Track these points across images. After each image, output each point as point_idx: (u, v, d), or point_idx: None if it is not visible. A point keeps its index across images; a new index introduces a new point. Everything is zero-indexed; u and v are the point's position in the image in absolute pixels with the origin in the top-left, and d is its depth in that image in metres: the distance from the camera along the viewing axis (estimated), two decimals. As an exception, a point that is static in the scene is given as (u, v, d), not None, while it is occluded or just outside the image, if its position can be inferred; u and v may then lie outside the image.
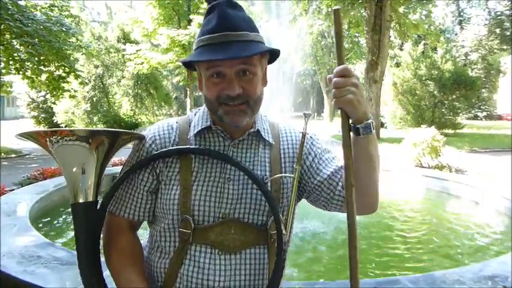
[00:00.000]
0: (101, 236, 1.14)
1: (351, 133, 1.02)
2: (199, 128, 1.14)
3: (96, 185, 1.07)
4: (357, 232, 0.99)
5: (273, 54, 1.15)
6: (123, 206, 1.15)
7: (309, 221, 4.39)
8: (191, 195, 1.09)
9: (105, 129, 1.10)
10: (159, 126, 1.19)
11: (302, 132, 1.13)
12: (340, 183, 1.14)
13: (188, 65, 1.17)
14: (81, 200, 1.05)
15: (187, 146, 1.13)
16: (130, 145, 1.22)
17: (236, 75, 1.04)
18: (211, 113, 1.12)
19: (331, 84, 0.99)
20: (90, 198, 1.06)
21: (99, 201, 1.11)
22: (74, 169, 1.05)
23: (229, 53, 1.00)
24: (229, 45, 1.01)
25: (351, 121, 1.01)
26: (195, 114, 1.21)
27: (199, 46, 1.06)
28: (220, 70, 1.04)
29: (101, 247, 1.13)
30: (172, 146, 1.14)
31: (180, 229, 1.08)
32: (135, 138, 1.17)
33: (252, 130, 1.15)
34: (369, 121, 1.00)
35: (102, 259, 1.13)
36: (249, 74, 1.06)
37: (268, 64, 1.17)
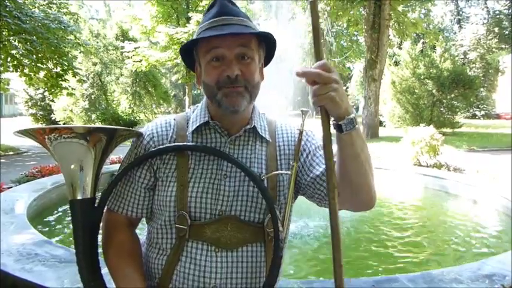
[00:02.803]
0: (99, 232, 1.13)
1: (335, 131, 0.98)
2: (197, 124, 1.14)
3: (94, 182, 1.07)
4: (340, 233, 0.96)
5: (269, 53, 1.17)
6: (121, 202, 1.16)
7: (307, 219, 4.39)
8: (187, 192, 1.09)
9: (103, 126, 1.10)
10: (157, 123, 1.20)
11: (299, 129, 1.11)
12: None
13: (187, 63, 1.19)
14: (79, 197, 1.05)
15: (184, 143, 1.13)
16: (128, 143, 1.22)
17: (235, 58, 1.06)
18: (210, 100, 1.12)
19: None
20: (88, 195, 1.06)
21: (98, 198, 1.11)
22: (72, 166, 1.05)
23: (231, 30, 1.03)
24: (230, 26, 1.05)
25: (332, 119, 0.96)
26: (193, 111, 1.21)
27: (200, 32, 1.09)
28: (220, 52, 1.05)
29: (99, 244, 1.12)
30: (169, 143, 1.14)
31: (177, 225, 1.08)
32: (133, 135, 1.17)
33: (248, 126, 1.15)
34: (351, 116, 0.95)
35: (101, 256, 1.13)
36: (248, 59, 1.07)
37: (266, 65, 1.19)
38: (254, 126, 1.16)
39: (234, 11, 1.08)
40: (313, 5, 0.95)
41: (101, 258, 1.12)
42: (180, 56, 1.21)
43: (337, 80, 0.93)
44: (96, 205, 1.10)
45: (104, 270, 1.10)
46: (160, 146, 1.12)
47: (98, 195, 1.11)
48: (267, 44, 1.15)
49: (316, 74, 0.91)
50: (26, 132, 1.04)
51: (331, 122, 0.97)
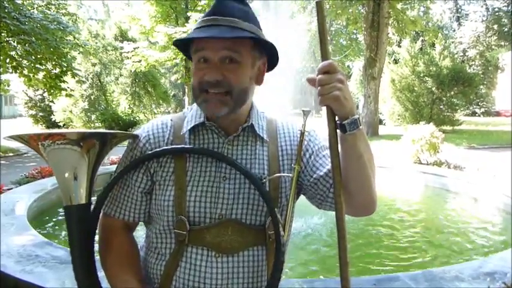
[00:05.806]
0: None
1: (338, 131, 0.98)
2: (193, 125, 1.11)
3: (89, 187, 1.06)
4: (346, 232, 0.96)
5: (273, 59, 1.13)
6: (118, 207, 1.13)
7: (308, 218, 4.39)
8: (186, 196, 1.06)
9: (96, 131, 1.09)
10: (153, 124, 1.16)
11: (300, 130, 1.08)
12: None
13: (187, 55, 1.15)
14: (74, 202, 1.03)
15: (182, 146, 1.09)
16: (126, 143, 1.20)
17: (220, 62, 1.02)
18: (197, 102, 1.10)
19: (315, 83, 0.94)
20: (83, 200, 1.04)
21: (93, 202, 1.09)
22: (66, 173, 1.03)
23: (212, 33, 1.00)
24: (216, 27, 1.01)
25: (336, 119, 0.96)
26: (189, 111, 1.18)
27: (193, 29, 1.07)
28: (205, 54, 1.03)
29: (96, 249, 1.11)
30: (166, 145, 1.11)
31: (176, 230, 1.05)
32: (128, 138, 1.15)
33: (245, 124, 1.11)
34: (355, 116, 0.95)
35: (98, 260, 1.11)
36: (234, 63, 1.03)
37: (270, 70, 1.16)
38: (252, 124, 1.12)
39: (227, 10, 1.03)
40: (319, 5, 0.94)
41: (98, 263, 1.11)
42: (179, 56, 1.19)
43: (342, 80, 0.93)
44: (91, 210, 1.08)
45: (101, 274, 1.09)
46: (157, 149, 1.09)
47: (93, 198, 1.10)
48: (268, 48, 1.09)
49: (319, 77, 0.93)
50: (18, 138, 1.02)
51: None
